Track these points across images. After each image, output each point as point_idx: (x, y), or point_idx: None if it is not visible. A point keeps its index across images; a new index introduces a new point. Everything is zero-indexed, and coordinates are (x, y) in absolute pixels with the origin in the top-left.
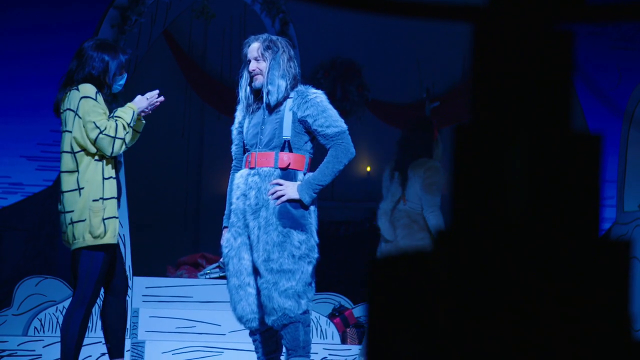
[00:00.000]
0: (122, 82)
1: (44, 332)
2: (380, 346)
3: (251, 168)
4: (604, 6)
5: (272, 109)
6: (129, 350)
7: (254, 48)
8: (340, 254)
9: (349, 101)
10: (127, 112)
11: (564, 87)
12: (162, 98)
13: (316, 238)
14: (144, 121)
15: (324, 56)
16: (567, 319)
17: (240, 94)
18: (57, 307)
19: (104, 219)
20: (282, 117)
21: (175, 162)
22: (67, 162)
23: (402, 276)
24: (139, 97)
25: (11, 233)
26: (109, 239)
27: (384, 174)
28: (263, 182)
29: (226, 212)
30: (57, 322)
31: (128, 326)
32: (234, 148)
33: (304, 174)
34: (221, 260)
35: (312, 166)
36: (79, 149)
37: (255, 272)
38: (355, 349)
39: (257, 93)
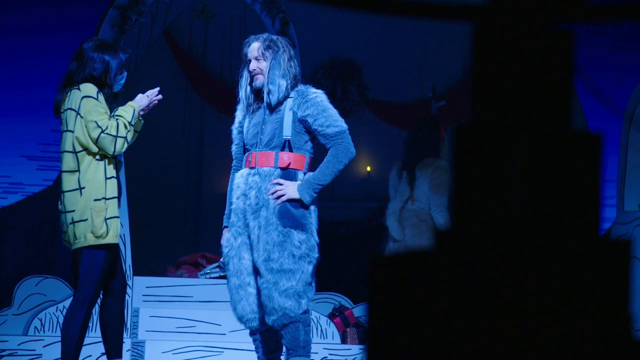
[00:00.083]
0: (123, 81)
1: (44, 331)
2: (381, 346)
3: (251, 168)
4: (604, 6)
5: (273, 108)
6: (129, 350)
7: (255, 48)
8: (340, 253)
9: (349, 101)
10: (127, 111)
11: (564, 87)
12: (160, 96)
13: (316, 238)
14: (142, 121)
15: (324, 56)
16: (567, 319)
17: (240, 93)
18: (57, 307)
19: (106, 219)
20: (282, 117)
21: (176, 161)
22: (68, 161)
23: (403, 276)
24: (139, 95)
25: (11, 233)
26: (111, 238)
27: (390, 173)
28: (263, 182)
29: (226, 211)
30: (58, 321)
31: (128, 326)
32: (234, 148)
33: (304, 174)
34: (221, 260)
35: (313, 166)
36: (81, 149)
37: (256, 271)
38: (355, 349)
39: (257, 93)
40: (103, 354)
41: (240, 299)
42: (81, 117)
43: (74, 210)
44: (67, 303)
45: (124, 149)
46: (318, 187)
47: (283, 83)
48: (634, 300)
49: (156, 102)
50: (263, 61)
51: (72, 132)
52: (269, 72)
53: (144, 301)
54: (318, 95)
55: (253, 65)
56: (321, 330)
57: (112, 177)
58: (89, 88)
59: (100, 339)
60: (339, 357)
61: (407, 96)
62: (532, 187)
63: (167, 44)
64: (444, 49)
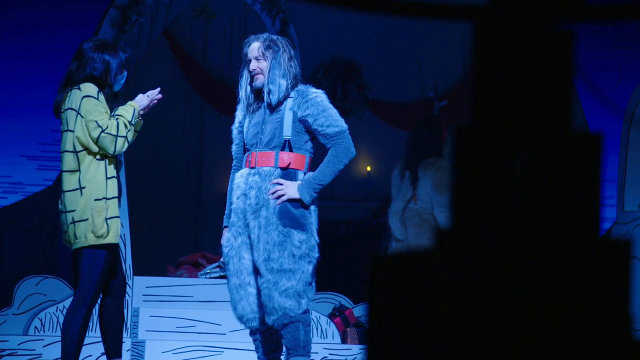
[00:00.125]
0: (123, 80)
1: (44, 331)
2: (381, 346)
3: (251, 167)
4: (604, 6)
5: (273, 108)
6: (129, 350)
7: (255, 47)
8: (340, 253)
9: (349, 101)
10: (128, 110)
11: (564, 87)
12: (160, 95)
13: (316, 237)
14: (142, 120)
15: (324, 56)
16: (567, 319)
17: (240, 93)
18: (57, 307)
19: (106, 219)
20: (282, 117)
21: (176, 161)
22: (69, 161)
23: (403, 276)
24: (140, 95)
25: (11, 232)
26: (112, 238)
27: (392, 173)
28: (263, 182)
29: (226, 211)
30: (58, 321)
31: (128, 326)
32: (234, 147)
33: (305, 174)
34: (221, 259)
35: (313, 166)
36: (82, 148)
37: (256, 271)
38: (355, 349)
39: (257, 93)
40: (103, 353)
41: (240, 298)
42: (81, 116)
43: (74, 210)
44: (67, 303)
45: (124, 149)
46: (318, 187)
47: (283, 83)
48: (634, 300)
49: (156, 101)
50: (263, 61)
51: (73, 131)
52: (269, 72)
53: (144, 301)
54: (318, 95)
55: (253, 65)
56: (321, 330)
57: (113, 176)
58: (89, 88)
59: (100, 339)
60: (339, 357)
61: (407, 96)
62: (532, 187)
63: (167, 43)
64: (444, 49)
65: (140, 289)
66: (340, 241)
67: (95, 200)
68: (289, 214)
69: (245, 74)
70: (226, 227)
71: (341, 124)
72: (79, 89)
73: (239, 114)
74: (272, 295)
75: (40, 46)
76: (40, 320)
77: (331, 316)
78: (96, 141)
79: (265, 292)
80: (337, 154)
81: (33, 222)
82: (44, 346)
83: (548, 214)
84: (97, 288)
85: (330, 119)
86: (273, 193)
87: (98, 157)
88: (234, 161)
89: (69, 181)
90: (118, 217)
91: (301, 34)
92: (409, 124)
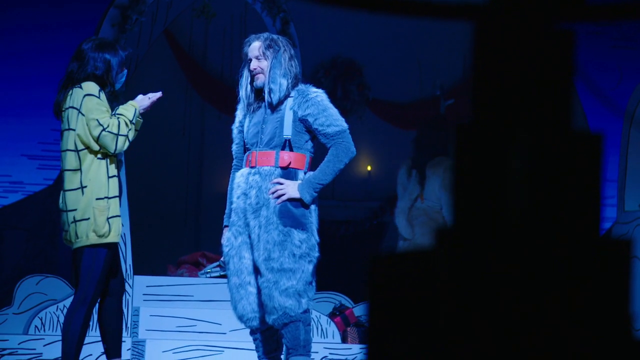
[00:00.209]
0: (123, 79)
1: (44, 330)
2: (381, 345)
3: (252, 167)
4: (604, 5)
5: (273, 108)
6: (129, 349)
7: (255, 47)
8: (340, 253)
9: (350, 100)
10: (129, 110)
11: (565, 87)
12: (159, 93)
13: (317, 237)
14: (142, 119)
15: (324, 55)
16: (567, 319)
17: (240, 92)
18: (57, 306)
19: (108, 218)
20: (282, 116)
21: (176, 161)
22: (70, 160)
23: (403, 275)
24: (140, 96)
25: (12, 232)
26: (113, 237)
27: (399, 172)
28: (264, 181)
29: (227, 211)
30: (58, 320)
31: (128, 325)
32: (234, 147)
33: (305, 173)
34: (222, 259)
35: (313, 165)
36: (83, 147)
37: (256, 271)
38: (355, 348)
39: (257, 92)
40: (103, 353)
41: (240, 298)
42: (83, 115)
43: (75, 209)
44: (68, 302)
45: (124, 148)
46: (318, 186)
47: (284, 82)
48: (634, 300)
49: (155, 100)
50: (264, 60)
51: (74, 130)
52: (270, 71)
53: (144, 300)
54: (318, 94)
55: (254, 64)
56: (321, 329)
57: (114, 176)
58: (90, 86)
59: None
60: (340, 356)
61: (407, 96)
62: (533, 187)
63: (167, 43)
64: (444, 49)
65: (140, 289)
66: (340, 241)
67: (97, 199)
68: (290, 214)
69: (246, 74)
70: (226, 226)
71: (341, 123)
72: (81, 87)
73: (239, 114)
74: (273, 295)
75: (41, 46)
76: (41, 319)
77: (331, 315)
78: (97, 140)
79: (266, 292)
80: (338, 153)
81: (33, 221)
82: (44, 345)
83: (548, 213)
84: (98, 287)
85: (330, 118)
86: (273, 192)
87: (99, 156)
88: (234, 160)
89: (71, 180)
90: (119, 216)
91: (302, 33)
92: (409, 123)
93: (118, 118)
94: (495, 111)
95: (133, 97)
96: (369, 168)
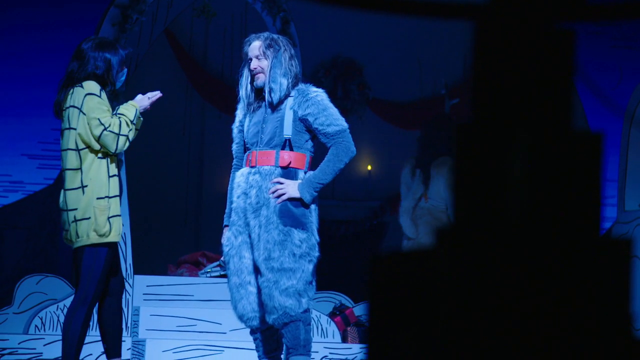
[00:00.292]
0: (123, 78)
1: (44, 330)
2: (381, 345)
3: (252, 166)
4: (604, 5)
5: (274, 107)
6: (129, 349)
7: (256, 46)
8: (341, 252)
9: (350, 100)
10: (129, 110)
11: (565, 86)
12: (159, 92)
13: (317, 237)
14: (142, 119)
15: (325, 55)
16: (567, 318)
17: (240, 92)
18: (57, 306)
19: (108, 217)
20: (282, 116)
21: (176, 160)
22: (71, 159)
23: (403, 275)
24: (140, 96)
25: (12, 231)
26: (114, 237)
27: (402, 171)
28: (264, 181)
29: (227, 210)
30: (58, 320)
31: (129, 325)
32: (234, 147)
33: (305, 173)
34: (222, 258)
35: (313, 165)
36: (84, 146)
37: (256, 270)
38: (356, 348)
39: (257, 92)
40: (103, 352)
41: (240, 297)
42: (84, 114)
43: (76, 209)
44: (68, 302)
45: (125, 147)
46: (319, 186)
47: (284, 82)
48: (635, 300)
49: (155, 99)
50: (264, 60)
51: (75, 129)
52: (270, 71)
53: (144, 300)
54: (319, 94)
55: (254, 64)
56: (322, 329)
57: (115, 175)
58: (91, 86)
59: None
60: (340, 356)
61: (408, 95)
62: (533, 186)
63: (168, 42)
64: (444, 48)
65: (140, 288)
66: (340, 240)
67: (98, 198)
68: (290, 213)
69: (246, 73)
70: (226, 226)
71: (342, 123)
72: (82, 86)
73: (239, 113)
74: (273, 294)
75: (41, 46)
76: (41, 319)
77: (332, 315)
78: (98, 139)
79: (266, 291)
80: (338, 153)
81: (34, 220)
82: (44, 345)
83: (548, 213)
84: (99, 287)
85: (330, 118)
86: (273, 192)
87: (100, 155)
88: (234, 160)
89: (71, 179)
90: (120, 215)
91: (302, 33)
92: (409, 123)
93: (119, 118)
94: (495, 111)
95: (133, 97)
96: (369, 168)
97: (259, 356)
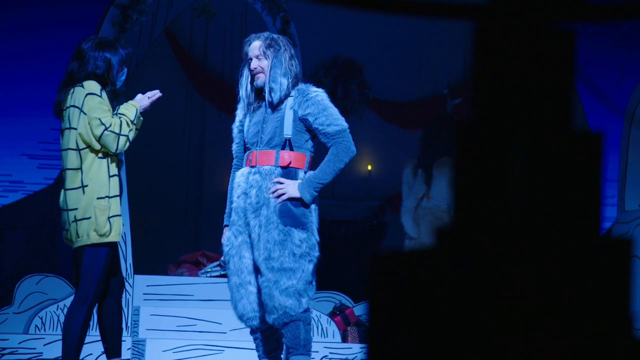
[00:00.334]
0: (123, 77)
1: (44, 330)
2: (381, 345)
3: (252, 166)
4: (604, 5)
5: (274, 107)
6: (129, 349)
7: (256, 46)
8: (341, 252)
9: (350, 100)
10: (130, 110)
11: (565, 86)
12: (158, 91)
13: (317, 236)
14: (142, 118)
15: (325, 55)
16: (567, 318)
17: (240, 92)
18: (57, 305)
19: (109, 217)
20: (283, 116)
21: (176, 160)
22: (72, 159)
23: (403, 274)
24: (140, 95)
25: (12, 231)
26: (114, 237)
27: (404, 171)
28: (264, 181)
29: (227, 210)
30: (58, 320)
31: (129, 324)
32: (234, 146)
33: (305, 173)
34: (222, 258)
35: (313, 165)
36: (84, 146)
37: (256, 270)
38: (356, 348)
39: (258, 91)
40: (103, 352)
41: (240, 297)
42: (84, 114)
43: (76, 209)
44: (68, 301)
45: (126, 147)
46: (319, 185)
47: (284, 81)
48: (635, 300)
49: (155, 99)
50: (264, 60)
51: (76, 129)
52: (270, 71)
53: (144, 300)
54: (319, 94)
55: (254, 63)
56: (322, 329)
57: (115, 175)
58: (92, 85)
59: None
60: (340, 355)
61: (408, 95)
62: (533, 186)
63: (168, 42)
64: (444, 48)
65: (140, 288)
66: (340, 240)
67: (98, 198)
68: (290, 213)
69: (246, 73)
70: (227, 225)
71: (342, 122)
72: (82, 86)
73: (239, 113)
74: (273, 294)
75: (41, 45)
76: (41, 319)
77: (332, 315)
78: (99, 139)
79: (266, 291)
80: (338, 152)
81: (34, 220)
82: (44, 345)
83: (548, 213)
84: (99, 287)
85: (330, 117)
86: (273, 192)
87: (100, 155)
88: (234, 160)
89: (72, 179)
90: (120, 215)
91: (302, 32)
92: (409, 123)
93: (120, 118)
94: (495, 111)
95: (133, 97)
96: (369, 167)
97: (259, 356)
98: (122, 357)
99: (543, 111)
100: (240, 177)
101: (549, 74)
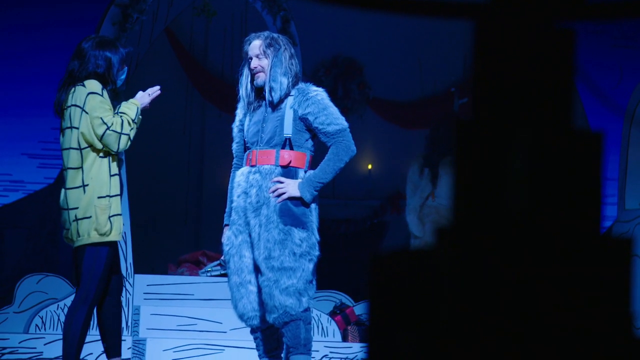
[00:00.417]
0: (124, 76)
1: (45, 329)
2: (382, 344)
3: (252, 166)
4: (604, 5)
5: (274, 106)
6: (130, 348)
7: (256, 45)
8: (341, 251)
9: (350, 99)
10: (131, 108)
11: (565, 85)
12: (158, 88)
13: (317, 236)
14: (141, 117)
15: (325, 54)
16: (568, 317)
17: (240, 91)
18: (58, 305)
19: (109, 217)
20: (283, 115)
21: (177, 159)
22: (73, 158)
23: (403, 274)
24: (140, 93)
25: (12, 231)
26: (115, 236)
27: (409, 170)
28: (264, 180)
29: (227, 209)
30: (59, 319)
31: (129, 324)
32: (234, 146)
33: (305, 172)
34: (222, 258)
35: (313, 164)
36: (86, 145)
37: (257, 269)
38: (356, 347)
39: (258, 91)
40: (103, 352)
41: (241, 297)
42: (86, 113)
43: (77, 208)
44: (68, 301)
45: (127, 146)
46: (319, 185)
47: (285, 81)
48: (635, 299)
49: (155, 96)
50: (264, 59)
51: (77, 128)
52: (270, 70)
53: (144, 299)
54: (319, 93)
55: (254, 63)
56: (322, 328)
57: (116, 174)
58: (93, 85)
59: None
60: (340, 355)
61: (408, 94)
62: (533, 185)
63: (168, 42)
64: (445, 48)
65: (141, 287)
66: (341, 239)
67: (99, 197)
68: (290, 212)
69: (246, 72)
70: (227, 225)
71: (342, 122)
72: (84, 85)
73: (239, 112)
74: (273, 294)
75: (41, 45)
76: (41, 318)
77: (332, 314)
78: (101, 138)
79: (266, 290)
80: (338, 152)
81: (34, 220)
82: (44, 344)
83: (548, 212)
84: (99, 286)
85: (330, 117)
86: (274, 191)
87: (101, 154)
88: (234, 159)
89: (72, 178)
90: (120, 214)
91: (302, 32)
92: (410, 122)
93: (121, 117)
94: (495, 110)
95: (133, 96)
96: (369, 167)
97: (259, 355)
98: (122, 357)
99: (543, 111)
100: (240, 177)
101: (549, 73)
